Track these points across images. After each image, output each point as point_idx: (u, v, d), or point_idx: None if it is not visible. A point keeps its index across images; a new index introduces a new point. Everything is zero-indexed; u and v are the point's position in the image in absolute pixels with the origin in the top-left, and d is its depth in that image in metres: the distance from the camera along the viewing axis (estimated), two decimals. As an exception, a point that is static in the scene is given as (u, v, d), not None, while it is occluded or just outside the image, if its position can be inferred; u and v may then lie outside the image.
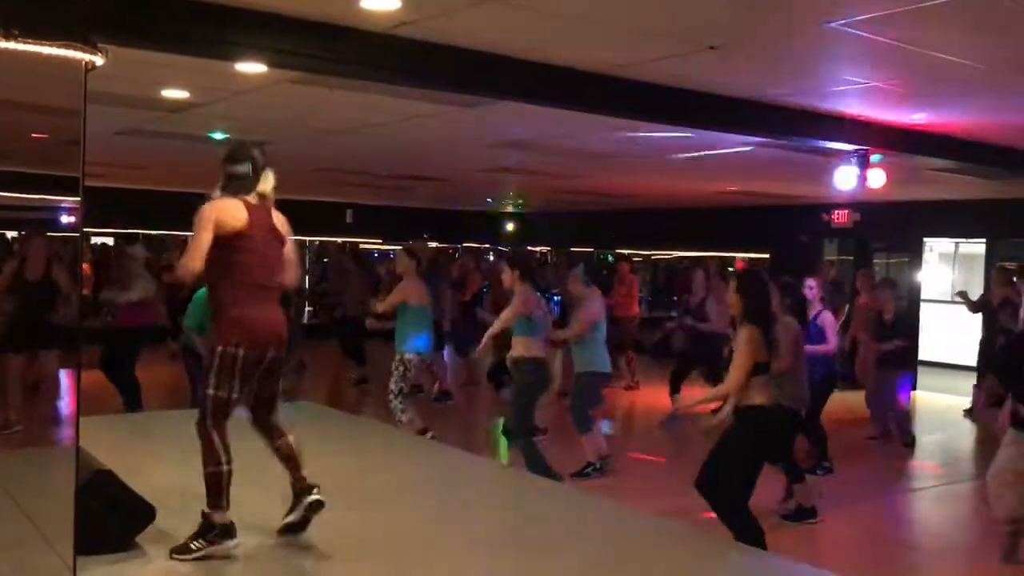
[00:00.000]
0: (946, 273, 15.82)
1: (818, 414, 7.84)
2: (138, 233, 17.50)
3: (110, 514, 4.05)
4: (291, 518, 4.19)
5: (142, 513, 4.15)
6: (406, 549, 4.27)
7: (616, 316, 11.89)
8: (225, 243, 3.92)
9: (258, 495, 4.92)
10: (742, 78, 5.94)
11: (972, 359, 11.13)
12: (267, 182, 4.14)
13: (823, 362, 7.53)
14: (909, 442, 9.27)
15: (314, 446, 6.13)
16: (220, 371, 3.93)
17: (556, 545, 4.39)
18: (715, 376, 8.11)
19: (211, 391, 3.94)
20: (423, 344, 7.58)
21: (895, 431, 9.41)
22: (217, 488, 3.96)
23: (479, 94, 6.10)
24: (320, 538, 4.30)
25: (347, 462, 5.79)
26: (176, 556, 3.96)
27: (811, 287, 7.68)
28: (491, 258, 20.65)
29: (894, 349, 8.96)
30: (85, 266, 13.29)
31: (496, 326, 6.74)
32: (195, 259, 3.87)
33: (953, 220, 14.11)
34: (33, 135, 9.94)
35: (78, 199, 3.78)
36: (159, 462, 5.55)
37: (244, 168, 4.07)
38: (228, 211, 3.96)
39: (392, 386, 7.44)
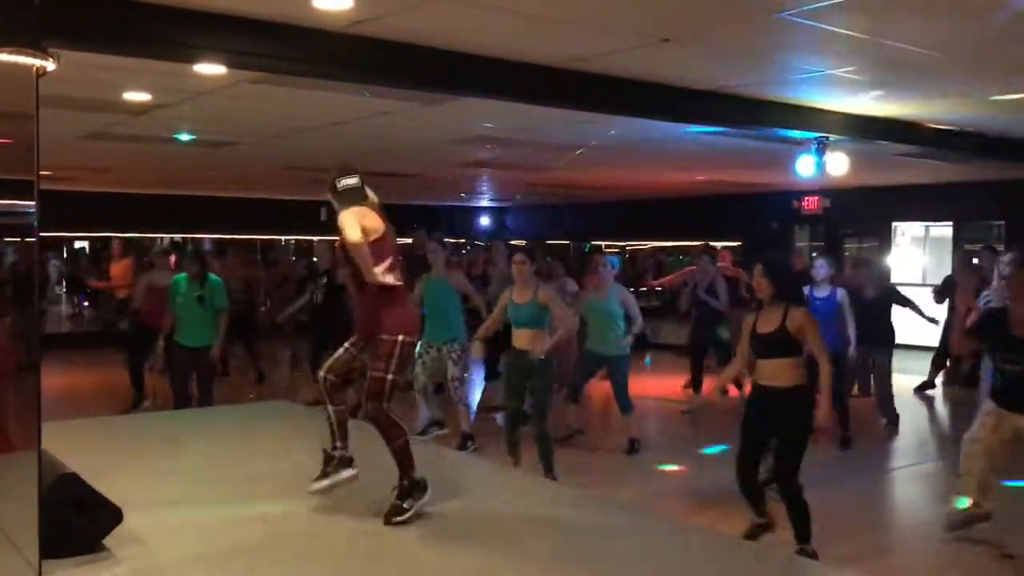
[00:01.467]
0: (917, 256, 16.00)
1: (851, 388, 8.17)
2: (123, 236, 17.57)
3: (76, 516, 4.06)
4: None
5: (109, 515, 4.16)
6: (370, 548, 4.31)
7: None
8: (377, 246, 4.42)
9: (214, 495, 4.97)
10: (697, 69, 6.01)
11: (929, 340, 11.25)
12: (371, 191, 4.62)
13: (843, 336, 7.71)
14: (894, 420, 9.25)
15: (287, 444, 6.20)
16: (400, 359, 4.48)
17: (522, 536, 4.45)
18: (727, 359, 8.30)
19: (391, 376, 4.45)
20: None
21: (881, 412, 9.45)
22: (407, 454, 4.54)
23: (436, 90, 6.16)
24: (293, 534, 4.34)
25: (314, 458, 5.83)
26: (395, 520, 4.46)
27: (822, 266, 7.75)
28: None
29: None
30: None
31: (562, 338, 6.59)
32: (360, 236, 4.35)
33: (921, 204, 14.31)
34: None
35: (33, 203, 3.79)
36: (127, 464, 5.56)
37: (354, 181, 4.52)
38: (369, 217, 4.45)
39: (457, 373, 7.71)
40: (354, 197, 4.53)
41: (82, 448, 5.45)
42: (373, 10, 4.63)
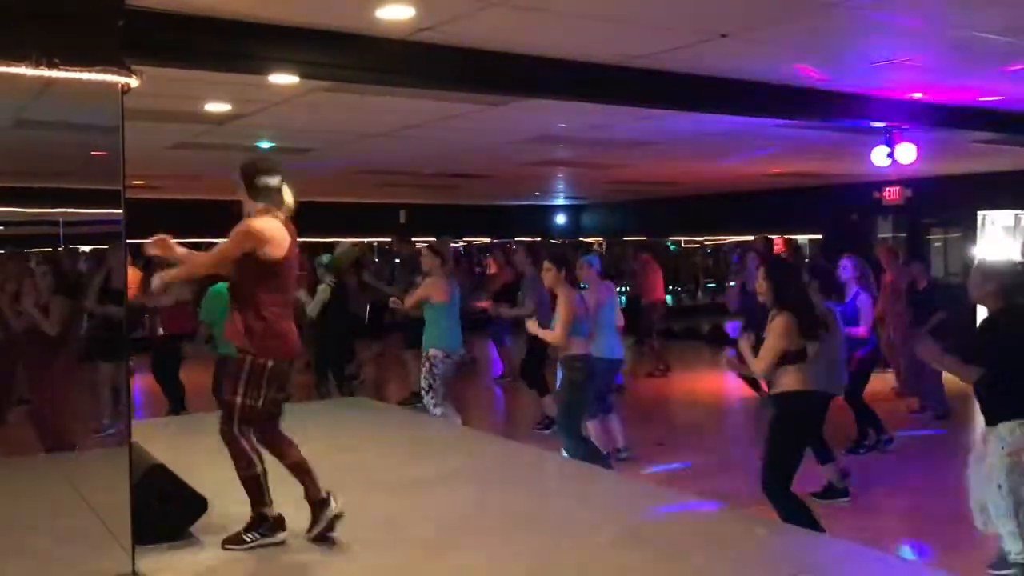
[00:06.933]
0: (1009, 246, 15.48)
1: (859, 394, 7.89)
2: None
3: (165, 506, 4.32)
4: (314, 532, 4.27)
5: (195, 505, 4.42)
6: (441, 533, 4.46)
7: (643, 303, 12.24)
8: (267, 263, 4.04)
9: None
10: (759, 63, 6.00)
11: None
12: (288, 195, 4.22)
13: (862, 342, 7.58)
14: (942, 414, 9.24)
15: (362, 437, 6.44)
16: (249, 380, 4.07)
17: (586, 525, 4.55)
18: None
19: (239, 399, 4.07)
20: (447, 341, 7.53)
21: (930, 402, 9.39)
22: (256, 489, 4.16)
23: (499, 94, 6.29)
24: (361, 522, 4.52)
25: (392, 451, 6.04)
26: (229, 546, 4.17)
27: (845, 267, 7.61)
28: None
29: (937, 324, 8.91)
30: None
31: (551, 336, 6.50)
32: (212, 266, 4.13)
33: (1007, 191, 13.87)
34: (93, 153, 10.39)
35: (119, 211, 4.05)
36: (211, 459, 5.83)
37: (276, 181, 4.16)
38: (276, 235, 4.04)
39: (422, 383, 7.54)
40: (268, 198, 4.12)
41: (169, 443, 5.76)
42: (434, 18, 4.79)
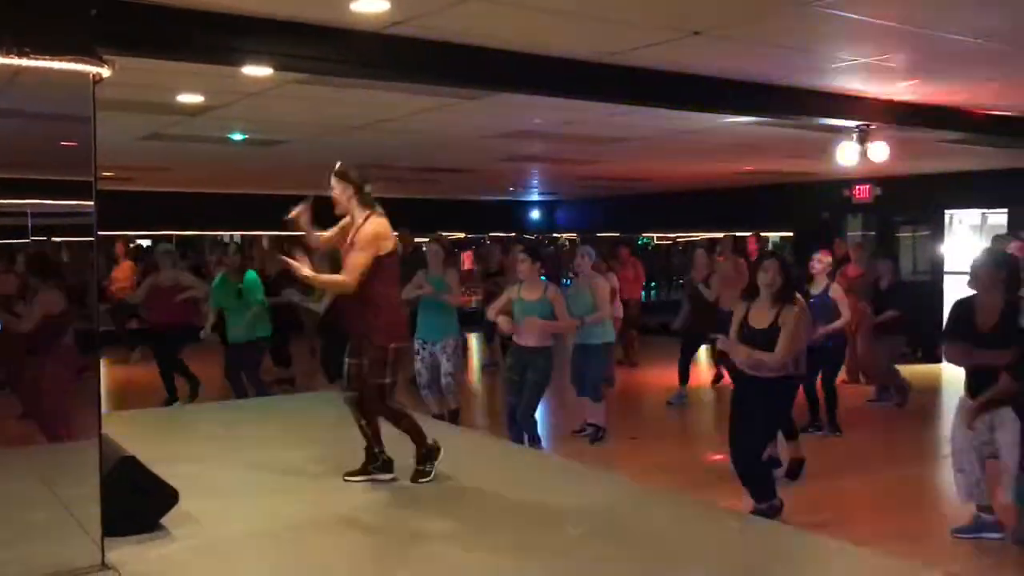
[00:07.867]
0: (975, 244, 15.69)
1: (832, 380, 8.09)
2: (170, 235, 18.02)
3: (135, 498, 4.31)
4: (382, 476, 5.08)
5: (166, 497, 4.41)
6: (414, 526, 4.49)
7: (621, 299, 12.33)
8: (383, 258, 4.74)
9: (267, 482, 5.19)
10: (731, 61, 6.05)
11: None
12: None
13: (835, 332, 7.77)
14: (901, 402, 9.59)
15: (333, 432, 6.43)
16: (393, 363, 4.83)
17: (558, 518, 4.58)
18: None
19: (388, 379, 4.84)
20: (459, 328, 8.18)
21: (893, 394, 9.64)
22: (417, 431, 5.03)
23: (474, 87, 6.29)
24: (333, 515, 4.54)
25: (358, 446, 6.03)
26: (421, 481, 4.99)
27: (819, 260, 7.78)
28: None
29: (887, 320, 9.26)
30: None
31: (560, 327, 7.04)
32: (357, 278, 4.67)
33: (974, 191, 14.07)
34: (62, 143, 10.25)
35: (91, 203, 4.01)
36: (182, 451, 5.83)
37: (371, 187, 4.86)
38: (387, 231, 4.78)
39: (450, 368, 7.92)
40: (372, 202, 4.83)
41: (143, 436, 5.73)
42: (409, 11, 4.79)
